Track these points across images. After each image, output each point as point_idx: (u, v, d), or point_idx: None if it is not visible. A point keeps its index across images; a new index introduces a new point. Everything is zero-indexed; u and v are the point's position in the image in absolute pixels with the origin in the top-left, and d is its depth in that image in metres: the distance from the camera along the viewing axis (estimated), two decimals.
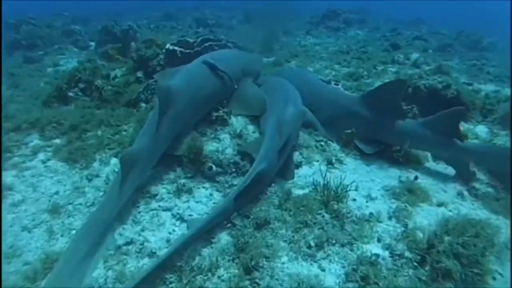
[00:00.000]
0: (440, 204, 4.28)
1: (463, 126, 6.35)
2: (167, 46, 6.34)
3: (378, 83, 8.48)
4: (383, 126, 5.20)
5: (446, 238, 3.16)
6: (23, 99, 6.43)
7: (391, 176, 4.80)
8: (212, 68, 4.94)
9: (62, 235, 3.61)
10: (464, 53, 12.84)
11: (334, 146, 5.28)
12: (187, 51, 6.16)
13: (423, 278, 2.99)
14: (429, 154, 5.40)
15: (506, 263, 3.28)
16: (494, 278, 3.05)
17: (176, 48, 6.16)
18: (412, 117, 6.39)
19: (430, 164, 5.25)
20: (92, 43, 11.91)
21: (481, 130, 6.20)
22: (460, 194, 4.49)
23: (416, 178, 4.69)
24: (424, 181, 4.72)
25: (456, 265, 2.87)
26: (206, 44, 6.23)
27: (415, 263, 3.17)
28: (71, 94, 6.25)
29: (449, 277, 2.90)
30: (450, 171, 5.05)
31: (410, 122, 5.22)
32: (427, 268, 3.07)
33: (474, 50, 13.74)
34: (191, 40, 6.58)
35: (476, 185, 4.53)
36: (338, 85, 7.27)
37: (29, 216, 3.82)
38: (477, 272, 2.84)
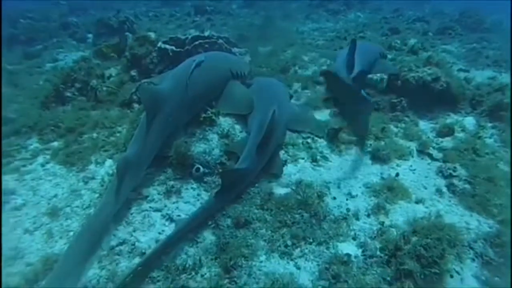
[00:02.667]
0: (418, 201, 4.47)
1: (452, 118, 6.45)
2: (159, 44, 6.47)
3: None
4: None
5: (413, 239, 3.38)
6: (22, 99, 6.66)
7: (374, 172, 4.97)
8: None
9: (60, 237, 3.90)
10: (465, 35, 12.58)
11: (321, 142, 5.43)
12: (178, 49, 6.28)
13: (388, 278, 3.24)
14: (414, 149, 5.53)
15: (464, 261, 3.51)
16: (451, 276, 3.28)
17: (167, 46, 6.29)
18: (401, 110, 6.50)
19: (415, 159, 5.38)
20: (90, 35, 11.99)
21: (469, 122, 6.25)
22: (438, 191, 4.65)
23: (397, 175, 4.88)
24: (406, 177, 4.90)
25: (416, 266, 3.11)
26: (196, 43, 6.34)
27: (383, 263, 3.42)
28: (68, 94, 6.46)
29: (410, 277, 3.14)
30: (433, 166, 5.20)
31: None
32: (392, 268, 3.32)
33: (475, 31, 13.45)
34: (183, 37, 6.68)
35: (455, 181, 4.69)
36: None
37: (30, 219, 4.11)
38: (434, 272, 3.08)
